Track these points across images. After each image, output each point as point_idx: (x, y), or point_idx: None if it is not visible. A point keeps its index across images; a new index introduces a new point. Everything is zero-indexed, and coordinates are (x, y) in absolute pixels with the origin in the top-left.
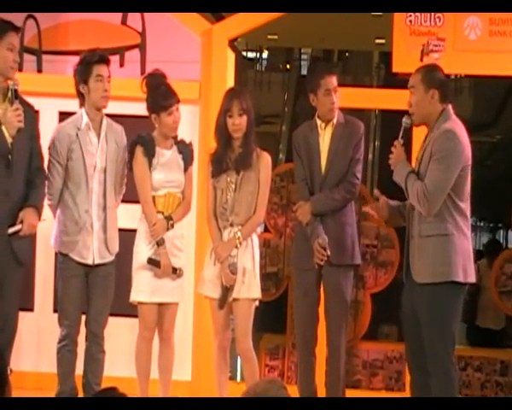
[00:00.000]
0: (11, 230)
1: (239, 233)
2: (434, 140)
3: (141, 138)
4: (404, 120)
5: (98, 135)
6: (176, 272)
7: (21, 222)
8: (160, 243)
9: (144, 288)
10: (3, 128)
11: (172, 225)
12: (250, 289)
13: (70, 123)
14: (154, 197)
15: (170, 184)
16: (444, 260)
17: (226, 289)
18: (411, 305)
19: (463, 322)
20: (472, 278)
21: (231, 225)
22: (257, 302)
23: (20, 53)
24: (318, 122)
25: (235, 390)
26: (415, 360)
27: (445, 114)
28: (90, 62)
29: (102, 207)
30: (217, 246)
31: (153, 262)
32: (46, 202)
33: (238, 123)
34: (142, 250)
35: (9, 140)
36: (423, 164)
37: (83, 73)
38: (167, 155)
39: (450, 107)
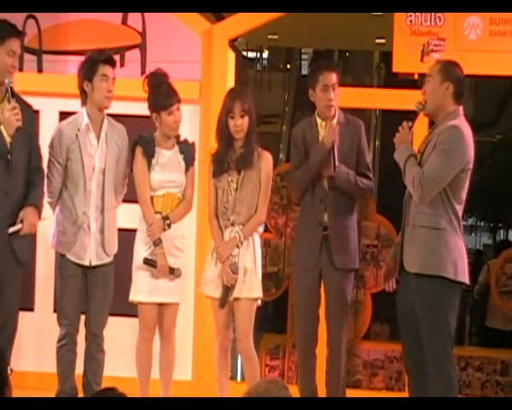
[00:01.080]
0: (11, 229)
1: (240, 233)
2: (439, 133)
3: (141, 139)
4: (417, 104)
5: (98, 136)
6: (173, 272)
7: (21, 222)
8: (156, 243)
9: (143, 288)
10: (2, 128)
11: (169, 225)
12: (251, 288)
13: (70, 123)
14: (152, 197)
15: (169, 185)
16: (433, 253)
17: (227, 289)
18: (409, 302)
19: (472, 323)
20: (464, 278)
21: (232, 224)
22: (259, 302)
23: (20, 53)
24: (319, 121)
25: (236, 390)
26: (413, 360)
27: (454, 113)
28: (97, 61)
29: (100, 209)
30: (218, 246)
31: (149, 262)
32: (46, 200)
33: (240, 124)
34: (141, 250)
35: (8, 140)
36: (426, 155)
37: (88, 71)
38: (167, 156)
39: (461, 108)
